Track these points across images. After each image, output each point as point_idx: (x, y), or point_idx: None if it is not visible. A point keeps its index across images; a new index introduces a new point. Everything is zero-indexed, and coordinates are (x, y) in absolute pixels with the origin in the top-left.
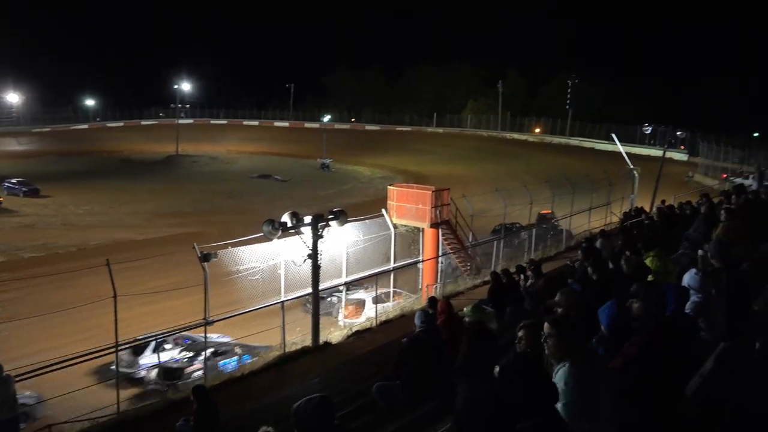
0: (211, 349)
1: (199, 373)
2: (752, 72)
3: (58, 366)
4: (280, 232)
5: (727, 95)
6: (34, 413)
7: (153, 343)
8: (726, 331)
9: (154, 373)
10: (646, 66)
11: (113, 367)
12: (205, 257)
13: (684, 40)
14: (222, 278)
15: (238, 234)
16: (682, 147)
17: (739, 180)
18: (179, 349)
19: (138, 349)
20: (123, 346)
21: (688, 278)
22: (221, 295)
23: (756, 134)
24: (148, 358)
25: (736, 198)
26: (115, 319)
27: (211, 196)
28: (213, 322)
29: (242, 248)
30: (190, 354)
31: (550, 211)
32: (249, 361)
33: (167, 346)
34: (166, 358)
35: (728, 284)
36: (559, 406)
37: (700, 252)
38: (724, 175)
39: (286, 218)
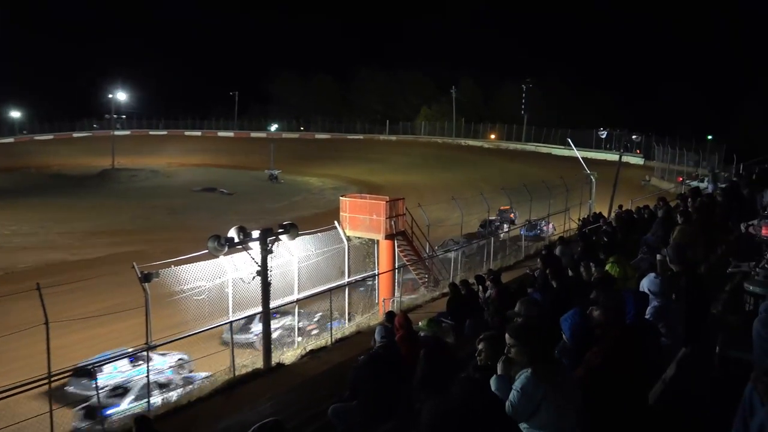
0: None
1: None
2: (704, 75)
3: None
4: (226, 248)
5: (680, 99)
6: None
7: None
8: (686, 336)
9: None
10: (601, 70)
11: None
12: (146, 277)
13: (637, 44)
14: (165, 299)
15: (182, 252)
16: (638, 151)
17: (694, 183)
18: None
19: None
20: (57, 376)
21: (648, 283)
22: (165, 317)
23: (710, 137)
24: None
25: (692, 201)
26: (48, 348)
27: (152, 212)
28: (156, 346)
29: (186, 266)
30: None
31: (508, 207)
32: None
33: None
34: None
35: (687, 288)
36: (506, 405)
37: (658, 256)
38: (680, 179)
39: (232, 233)
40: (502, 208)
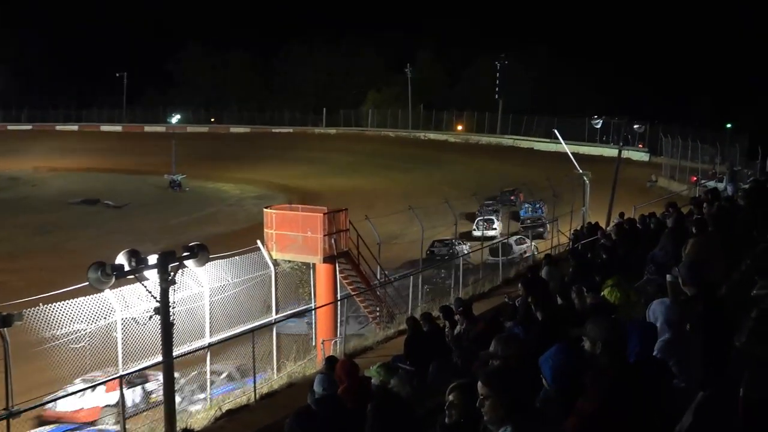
0: None
1: None
2: (720, 47)
3: None
4: (113, 280)
5: (692, 79)
6: None
7: None
8: (704, 376)
9: None
10: (593, 43)
11: None
12: (5, 320)
13: (638, 9)
14: (31, 349)
15: (55, 284)
16: (641, 145)
17: (711, 183)
18: None
19: None
20: None
21: (656, 311)
22: (32, 372)
23: (729, 125)
24: None
25: (708, 206)
26: None
27: (14, 233)
28: (19, 412)
29: (60, 304)
30: None
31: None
32: None
33: None
34: None
35: (705, 316)
36: None
37: (668, 277)
38: (694, 178)
39: (122, 259)
40: (505, 189)
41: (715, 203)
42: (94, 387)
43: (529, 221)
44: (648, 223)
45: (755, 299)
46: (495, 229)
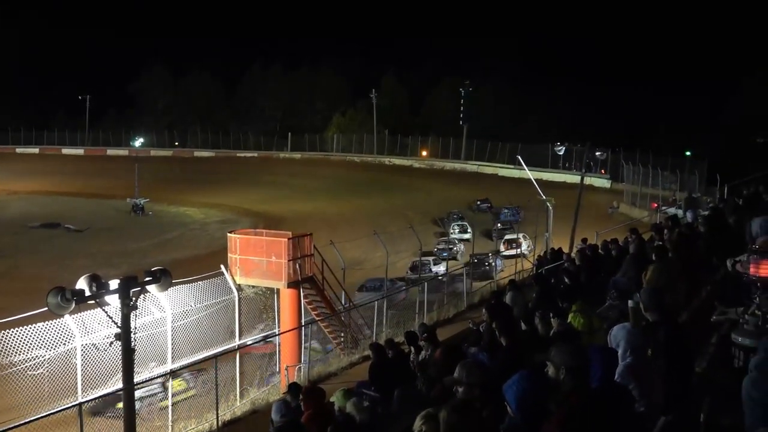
0: None
1: None
2: (682, 75)
3: None
4: (73, 305)
5: (652, 106)
6: None
7: None
8: (666, 402)
9: None
10: (557, 71)
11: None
12: None
13: (599, 37)
14: None
15: (12, 310)
16: (603, 171)
17: (672, 210)
18: None
19: None
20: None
21: (618, 336)
22: None
23: (688, 153)
24: None
25: (669, 233)
26: None
27: None
28: None
29: (17, 330)
30: None
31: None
32: None
33: None
34: None
35: (666, 341)
36: None
37: (630, 303)
38: (655, 205)
39: (82, 284)
40: (477, 199)
41: (676, 230)
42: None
43: (509, 224)
44: (610, 249)
45: (715, 325)
46: (469, 232)
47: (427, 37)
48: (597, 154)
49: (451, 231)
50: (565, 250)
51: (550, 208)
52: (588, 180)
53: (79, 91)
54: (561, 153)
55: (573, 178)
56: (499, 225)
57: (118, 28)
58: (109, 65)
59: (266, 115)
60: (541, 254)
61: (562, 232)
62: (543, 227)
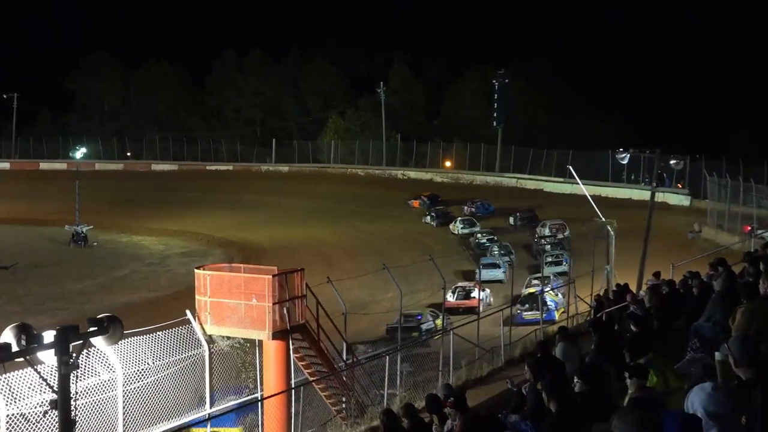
0: None
1: None
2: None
3: None
4: None
5: (742, 99)
6: None
7: None
8: None
9: None
10: (618, 57)
11: None
12: None
13: (670, 15)
14: None
15: None
16: (680, 185)
17: None
18: None
19: None
20: None
21: (702, 399)
22: None
23: None
24: None
25: (765, 264)
26: None
27: None
28: None
29: None
30: None
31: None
32: None
33: None
34: None
35: (764, 406)
36: None
37: (717, 355)
38: (748, 228)
39: (8, 337)
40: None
41: None
42: None
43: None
44: (690, 286)
45: None
46: (478, 226)
47: (448, 14)
48: (672, 163)
49: (454, 229)
50: (632, 287)
51: (612, 232)
52: (660, 196)
53: (2, 87)
54: (625, 162)
55: (641, 193)
56: (539, 243)
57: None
58: (42, 53)
59: (243, 117)
60: (601, 293)
61: (627, 265)
62: (603, 259)
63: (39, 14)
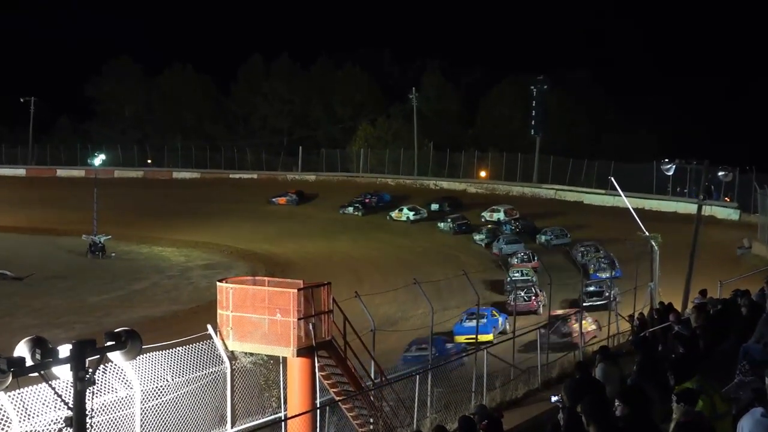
0: None
1: None
2: None
3: None
4: (9, 379)
5: None
6: None
7: None
8: None
9: None
10: (658, 61)
11: None
12: None
13: (718, 21)
14: None
15: None
16: (728, 198)
17: None
18: None
19: None
20: None
21: (751, 426)
22: None
23: None
24: None
25: None
26: None
27: None
28: None
29: None
30: None
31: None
32: None
33: None
34: None
35: None
36: None
37: None
38: None
39: (22, 351)
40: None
41: None
42: None
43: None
44: (739, 305)
45: None
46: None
47: (484, 21)
48: (720, 174)
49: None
50: (677, 306)
51: (656, 248)
52: (708, 210)
53: (21, 92)
54: (670, 173)
55: (686, 207)
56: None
57: (72, 9)
58: (61, 59)
59: (270, 126)
60: (644, 311)
61: (672, 282)
62: (646, 275)
63: (59, 18)
